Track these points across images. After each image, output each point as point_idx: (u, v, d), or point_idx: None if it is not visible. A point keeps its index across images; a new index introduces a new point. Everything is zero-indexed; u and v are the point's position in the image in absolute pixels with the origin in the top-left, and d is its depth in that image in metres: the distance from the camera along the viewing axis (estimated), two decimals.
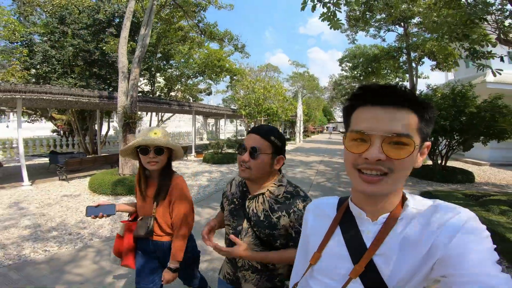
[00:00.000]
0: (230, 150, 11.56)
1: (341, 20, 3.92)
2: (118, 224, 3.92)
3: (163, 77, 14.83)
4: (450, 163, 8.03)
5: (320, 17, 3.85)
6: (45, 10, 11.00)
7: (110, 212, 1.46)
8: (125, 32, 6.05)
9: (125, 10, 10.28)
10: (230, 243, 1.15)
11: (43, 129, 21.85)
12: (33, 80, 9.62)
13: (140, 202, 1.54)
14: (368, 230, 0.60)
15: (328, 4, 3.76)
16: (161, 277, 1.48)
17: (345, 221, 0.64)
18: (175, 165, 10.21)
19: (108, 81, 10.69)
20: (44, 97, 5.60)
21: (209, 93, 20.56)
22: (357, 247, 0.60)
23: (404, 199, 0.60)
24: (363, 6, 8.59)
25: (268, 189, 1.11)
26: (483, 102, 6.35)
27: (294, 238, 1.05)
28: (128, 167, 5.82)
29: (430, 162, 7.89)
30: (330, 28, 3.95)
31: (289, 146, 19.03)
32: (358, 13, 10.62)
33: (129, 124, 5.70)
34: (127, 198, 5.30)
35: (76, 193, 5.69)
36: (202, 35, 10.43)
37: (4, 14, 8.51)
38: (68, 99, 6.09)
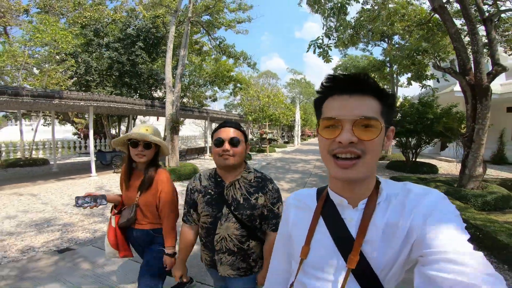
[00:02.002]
0: None
1: (331, 56, 5.89)
2: None
3: None
4: (428, 160, 10.10)
5: (318, 55, 5.79)
6: (73, 21, 12.17)
7: (101, 202, 1.51)
8: (169, 53, 7.88)
9: (151, 25, 12.13)
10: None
11: (57, 132, 23.28)
12: (77, 87, 11.31)
13: (125, 192, 1.61)
14: (351, 217, 0.61)
15: (323, 47, 5.73)
16: (147, 263, 1.60)
17: (327, 211, 0.65)
18: (198, 162, 12.10)
19: (138, 90, 12.44)
20: (111, 105, 7.36)
21: (215, 100, 22.41)
22: (342, 236, 0.60)
23: (377, 183, 0.63)
24: (351, 30, 10.65)
25: (241, 176, 1.26)
26: (441, 110, 8.39)
27: (266, 216, 1.25)
28: (173, 161, 7.61)
29: (404, 158, 9.93)
30: (324, 61, 5.92)
31: (288, 148, 21.04)
32: (347, 36, 12.71)
33: (175, 127, 7.52)
34: (177, 183, 7.05)
35: None
36: (221, 53, 12.36)
37: (51, 23, 9.22)
38: (126, 106, 7.85)
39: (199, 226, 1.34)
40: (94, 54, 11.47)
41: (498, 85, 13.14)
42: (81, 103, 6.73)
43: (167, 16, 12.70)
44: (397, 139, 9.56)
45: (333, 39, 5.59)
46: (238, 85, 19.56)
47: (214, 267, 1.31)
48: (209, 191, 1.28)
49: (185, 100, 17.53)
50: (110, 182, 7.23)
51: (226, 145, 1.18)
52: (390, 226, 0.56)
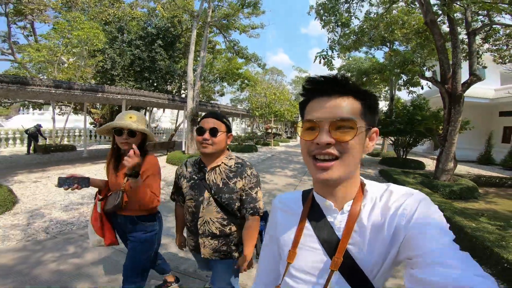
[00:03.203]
0: (248, 142, 14.61)
1: (334, 64, 6.94)
2: None
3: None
4: (421, 158, 11.20)
5: (323, 64, 6.84)
6: (93, 16, 12.91)
7: (84, 185, 1.50)
8: (192, 54, 8.95)
9: (169, 25, 13.13)
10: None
11: (69, 121, 24.63)
12: (102, 81, 12.45)
13: (112, 179, 1.62)
14: (337, 220, 0.61)
15: (328, 57, 6.78)
16: (132, 249, 1.63)
17: (313, 214, 0.65)
18: None
19: (156, 84, 13.55)
20: (141, 99, 8.49)
21: (222, 94, 23.47)
22: (329, 239, 0.60)
23: (362, 185, 0.63)
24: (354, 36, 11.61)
25: (222, 162, 1.38)
26: (430, 112, 9.40)
27: (244, 200, 1.36)
28: (192, 149, 8.77)
29: (395, 155, 11.01)
30: (328, 69, 6.97)
31: (291, 143, 22.22)
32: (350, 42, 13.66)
33: (194, 120, 8.64)
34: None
35: (162, 165, 8.63)
36: (235, 54, 13.42)
37: (82, 20, 9.99)
38: (152, 100, 8.99)
39: (185, 211, 1.45)
40: (118, 50, 12.54)
41: (492, 90, 14.01)
42: (118, 97, 7.85)
43: (183, 16, 13.67)
44: (390, 138, 10.63)
45: (336, 52, 6.62)
46: (246, 81, 20.64)
47: (198, 250, 1.42)
48: (193, 176, 1.39)
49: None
50: None
51: (206, 134, 1.29)
52: (375, 227, 0.57)
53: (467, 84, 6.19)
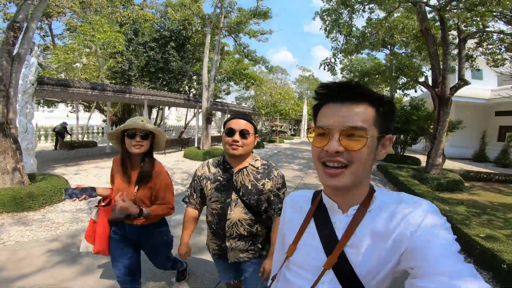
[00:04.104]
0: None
1: (337, 70, 7.75)
2: None
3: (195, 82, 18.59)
4: (419, 155, 12.04)
5: (327, 70, 7.64)
6: (107, 17, 13.21)
7: (91, 195, 1.48)
8: (206, 58, 9.78)
9: (181, 27, 13.92)
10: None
11: (81, 119, 25.72)
12: (120, 81, 13.32)
13: (121, 186, 1.57)
14: (339, 222, 0.62)
15: (331, 64, 7.58)
16: (135, 259, 1.66)
17: (318, 214, 0.67)
18: (220, 146, 14.19)
19: (169, 85, 14.38)
20: (161, 99, 9.36)
21: (228, 93, 24.31)
22: (329, 238, 0.62)
23: (372, 191, 0.63)
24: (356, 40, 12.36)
25: (249, 163, 1.37)
26: (426, 113, 10.15)
27: (272, 201, 1.36)
28: (207, 145, 9.66)
29: (393, 152, 11.83)
30: (331, 75, 7.78)
31: (295, 140, 23.10)
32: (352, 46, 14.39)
33: (209, 118, 9.52)
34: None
35: (178, 159, 9.55)
36: (244, 57, 14.27)
37: (103, 23, 10.57)
38: (170, 100, 9.87)
39: (209, 214, 1.40)
40: (133, 52, 13.37)
41: (488, 91, 14.67)
42: (142, 97, 8.74)
43: (194, 19, 14.44)
44: None
45: (339, 59, 7.43)
46: (252, 81, 21.46)
47: (223, 256, 1.38)
48: (218, 177, 1.36)
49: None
50: (162, 160, 9.33)
51: (236, 136, 1.26)
52: (377, 234, 0.57)
53: (455, 88, 6.96)
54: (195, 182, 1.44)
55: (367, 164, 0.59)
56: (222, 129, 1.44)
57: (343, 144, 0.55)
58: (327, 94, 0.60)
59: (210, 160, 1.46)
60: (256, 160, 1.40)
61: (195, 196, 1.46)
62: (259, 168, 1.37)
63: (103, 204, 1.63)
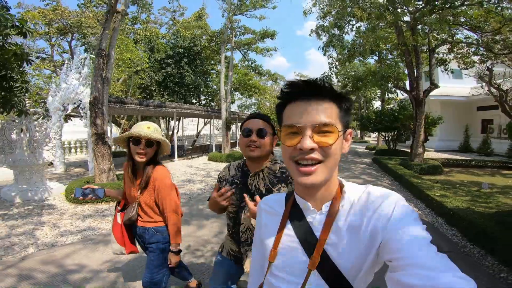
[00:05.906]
0: None
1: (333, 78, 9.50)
2: None
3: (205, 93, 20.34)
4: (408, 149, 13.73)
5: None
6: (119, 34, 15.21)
7: (99, 196, 1.59)
8: (222, 74, 11.57)
9: (192, 44, 15.67)
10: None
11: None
12: (143, 95, 14.96)
13: (128, 190, 1.67)
14: (316, 220, 0.63)
15: (329, 76, 9.35)
16: (151, 260, 1.67)
17: (293, 215, 0.67)
18: (238, 150, 15.70)
19: (184, 97, 16.06)
20: (188, 111, 11.09)
21: (233, 102, 26.13)
22: (308, 238, 0.62)
23: (341, 186, 0.65)
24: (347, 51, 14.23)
25: (266, 166, 1.30)
26: (410, 112, 11.91)
27: None
28: (227, 149, 11.36)
29: (386, 147, 13.58)
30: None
31: None
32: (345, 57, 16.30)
33: (228, 126, 11.26)
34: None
35: (205, 162, 11.17)
36: (252, 70, 16.12)
37: (128, 42, 12.33)
38: (194, 112, 11.62)
39: (227, 217, 1.40)
40: (152, 68, 15.03)
41: (468, 89, 16.47)
42: (174, 110, 10.48)
43: (202, 37, 16.20)
44: (382, 133, 13.14)
45: (334, 71, 9.20)
46: (255, 90, 23.24)
47: (239, 262, 1.37)
48: (236, 180, 1.34)
49: (212, 104, 21.28)
50: (191, 163, 10.98)
51: (254, 136, 1.23)
52: (353, 228, 0.58)
53: (427, 91, 8.74)
54: (217, 184, 1.41)
55: (337, 158, 0.60)
56: (239, 133, 1.45)
57: (316, 140, 0.57)
58: (293, 92, 0.61)
59: (233, 163, 1.46)
60: (275, 163, 1.33)
61: None
62: (277, 171, 1.30)
63: (119, 208, 1.75)
